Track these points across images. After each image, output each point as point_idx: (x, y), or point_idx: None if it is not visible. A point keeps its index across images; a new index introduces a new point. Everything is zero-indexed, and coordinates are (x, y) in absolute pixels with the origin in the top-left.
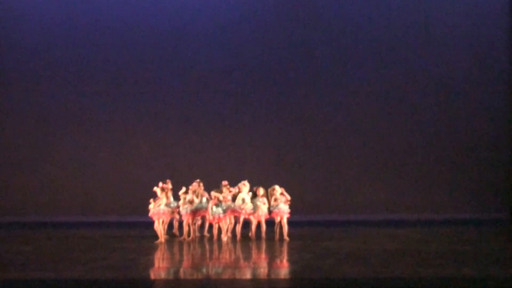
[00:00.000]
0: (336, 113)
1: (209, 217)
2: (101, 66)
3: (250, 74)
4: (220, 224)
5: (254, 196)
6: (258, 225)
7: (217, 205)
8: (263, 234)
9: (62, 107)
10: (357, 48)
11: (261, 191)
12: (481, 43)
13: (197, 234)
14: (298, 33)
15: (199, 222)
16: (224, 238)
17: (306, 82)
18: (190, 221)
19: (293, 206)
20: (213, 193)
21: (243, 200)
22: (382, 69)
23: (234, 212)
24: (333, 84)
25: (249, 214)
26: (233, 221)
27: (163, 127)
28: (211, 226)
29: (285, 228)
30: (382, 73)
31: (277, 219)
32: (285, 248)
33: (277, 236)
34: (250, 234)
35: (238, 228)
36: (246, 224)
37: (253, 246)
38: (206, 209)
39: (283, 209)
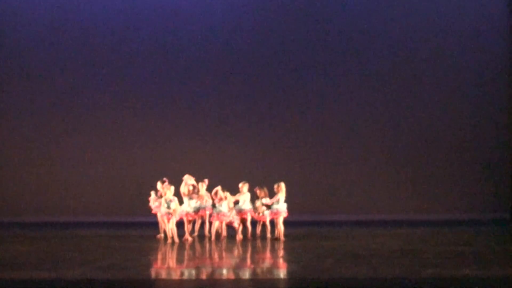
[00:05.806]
0: (336, 113)
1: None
2: (101, 66)
3: (252, 74)
4: (212, 224)
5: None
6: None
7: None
8: (268, 234)
9: (61, 107)
10: (358, 49)
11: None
12: (481, 43)
13: (196, 233)
14: (300, 33)
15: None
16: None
17: (308, 82)
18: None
19: (294, 206)
20: (220, 193)
21: (244, 201)
22: (383, 69)
23: (239, 213)
24: (334, 84)
25: (252, 215)
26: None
27: (164, 127)
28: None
29: (281, 229)
30: (383, 74)
31: (276, 219)
32: (285, 248)
33: (275, 236)
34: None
35: (238, 229)
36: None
37: (253, 246)
38: (205, 208)
39: (280, 209)
